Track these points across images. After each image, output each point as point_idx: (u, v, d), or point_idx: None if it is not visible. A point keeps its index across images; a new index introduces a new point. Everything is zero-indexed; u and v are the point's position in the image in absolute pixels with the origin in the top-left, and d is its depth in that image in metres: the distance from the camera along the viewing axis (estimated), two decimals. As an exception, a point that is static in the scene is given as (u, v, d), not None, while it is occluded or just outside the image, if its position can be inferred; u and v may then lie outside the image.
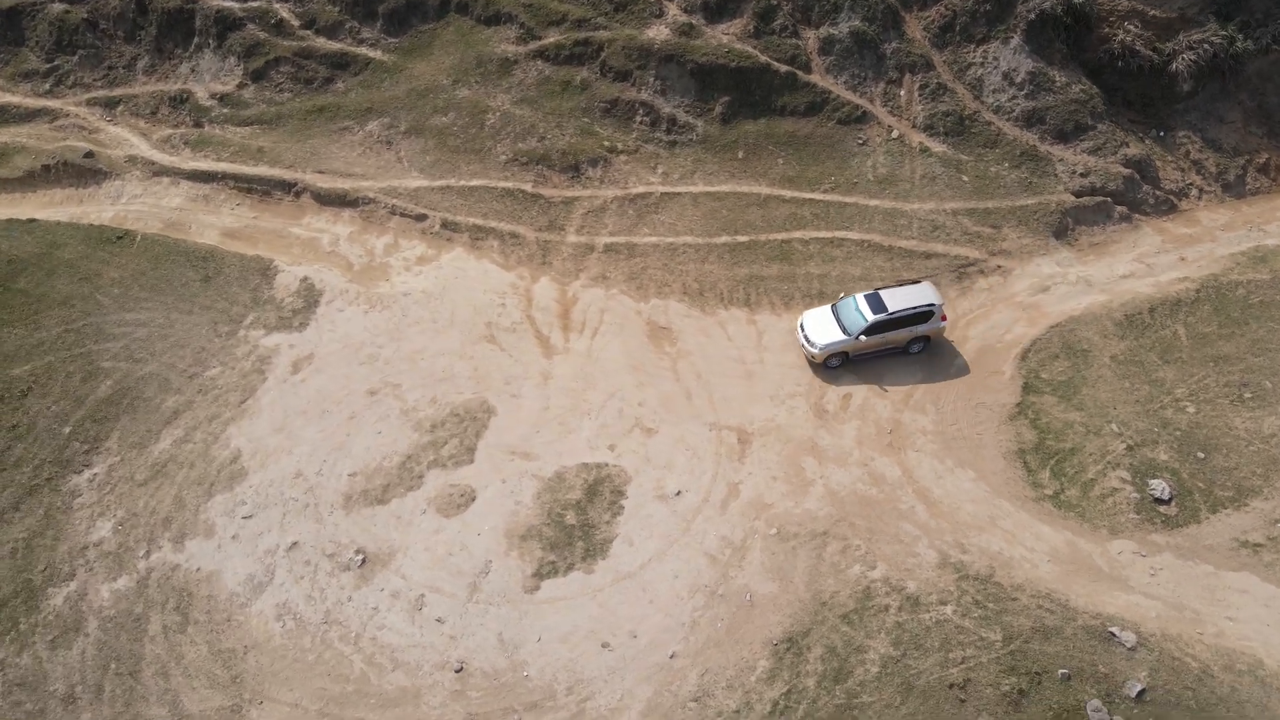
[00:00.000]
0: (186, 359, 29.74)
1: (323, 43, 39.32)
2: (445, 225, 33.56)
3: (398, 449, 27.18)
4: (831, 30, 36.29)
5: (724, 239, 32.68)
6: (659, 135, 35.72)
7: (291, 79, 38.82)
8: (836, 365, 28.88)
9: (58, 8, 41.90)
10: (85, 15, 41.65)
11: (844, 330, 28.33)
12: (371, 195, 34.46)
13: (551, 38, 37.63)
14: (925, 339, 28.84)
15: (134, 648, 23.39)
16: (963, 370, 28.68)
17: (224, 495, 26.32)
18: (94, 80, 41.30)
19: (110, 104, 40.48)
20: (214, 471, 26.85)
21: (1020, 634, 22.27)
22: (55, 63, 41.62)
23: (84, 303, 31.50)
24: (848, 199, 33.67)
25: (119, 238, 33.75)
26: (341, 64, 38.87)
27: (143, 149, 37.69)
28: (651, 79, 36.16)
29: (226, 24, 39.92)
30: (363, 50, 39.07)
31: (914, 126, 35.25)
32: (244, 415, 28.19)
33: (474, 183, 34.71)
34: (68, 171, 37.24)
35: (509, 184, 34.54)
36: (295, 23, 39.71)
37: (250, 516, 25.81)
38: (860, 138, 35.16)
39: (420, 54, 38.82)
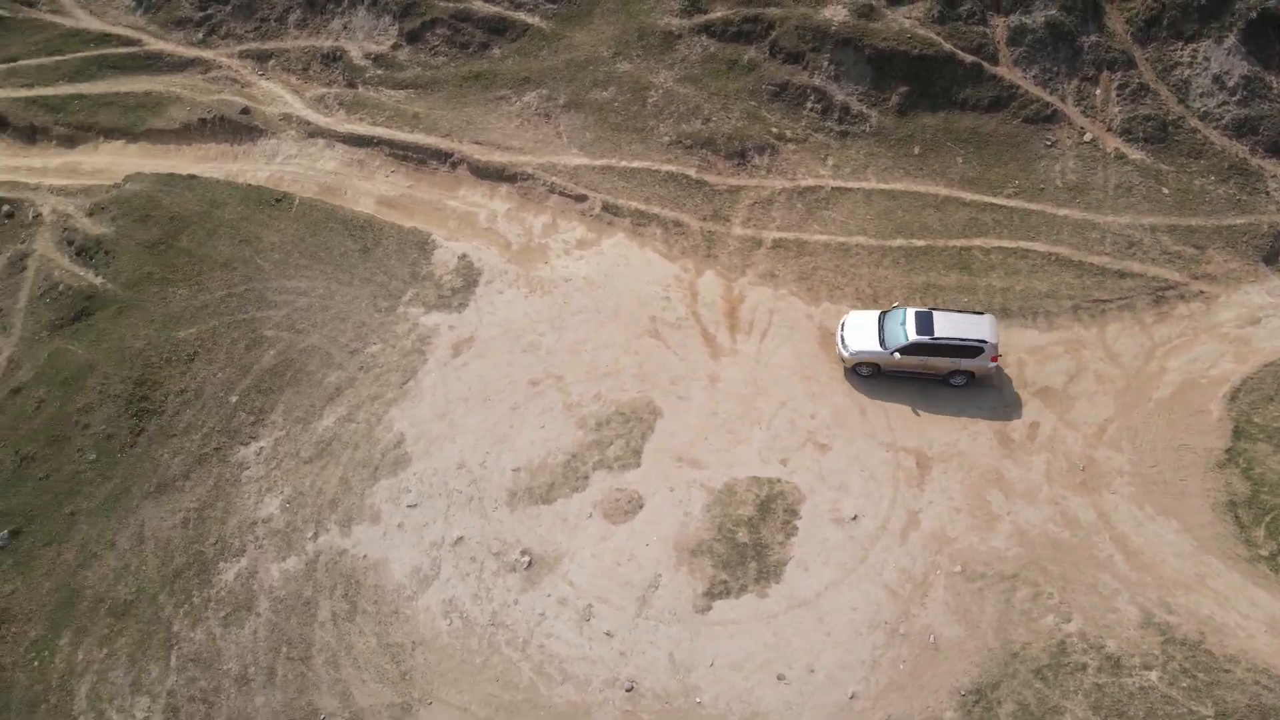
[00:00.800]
0: (348, 333, 29.35)
1: (480, 5, 38.11)
2: (606, 208, 32.41)
3: (562, 446, 26.46)
4: (1024, 19, 33.78)
5: (899, 242, 30.92)
6: (830, 124, 33.87)
7: (447, 42, 37.78)
8: (866, 374, 27.36)
9: (214, -45, 41.38)
10: (241, -36, 41.07)
11: (882, 342, 26.78)
12: (530, 171, 33.43)
13: (718, 12, 35.84)
14: (970, 375, 26.86)
15: (304, 632, 23.31)
16: (1163, 406, 26.68)
17: (388, 480, 25.98)
18: (246, 32, 40.83)
19: (262, 57, 40.01)
20: (378, 455, 26.51)
21: (1235, 711, 20.72)
22: (208, 11, 41.24)
23: (245, 266, 31.30)
24: (1033, 206, 31.53)
25: (277, 200, 33.38)
26: (498, 29, 37.66)
27: (297, 107, 37.18)
28: (825, 63, 34.20)
29: (383, -20, 38.92)
30: (520, 15, 37.77)
31: (1109, 130, 32.76)
32: (406, 397, 27.74)
33: (636, 164, 33.41)
34: (223, 126, 36.99)
35: (672, 167, 33.16)
36: (453, -18, 38.51)
37: (415, 506, 25.44)
38: (1048, 139, 32.82)
39: (579, 22, 37.38)
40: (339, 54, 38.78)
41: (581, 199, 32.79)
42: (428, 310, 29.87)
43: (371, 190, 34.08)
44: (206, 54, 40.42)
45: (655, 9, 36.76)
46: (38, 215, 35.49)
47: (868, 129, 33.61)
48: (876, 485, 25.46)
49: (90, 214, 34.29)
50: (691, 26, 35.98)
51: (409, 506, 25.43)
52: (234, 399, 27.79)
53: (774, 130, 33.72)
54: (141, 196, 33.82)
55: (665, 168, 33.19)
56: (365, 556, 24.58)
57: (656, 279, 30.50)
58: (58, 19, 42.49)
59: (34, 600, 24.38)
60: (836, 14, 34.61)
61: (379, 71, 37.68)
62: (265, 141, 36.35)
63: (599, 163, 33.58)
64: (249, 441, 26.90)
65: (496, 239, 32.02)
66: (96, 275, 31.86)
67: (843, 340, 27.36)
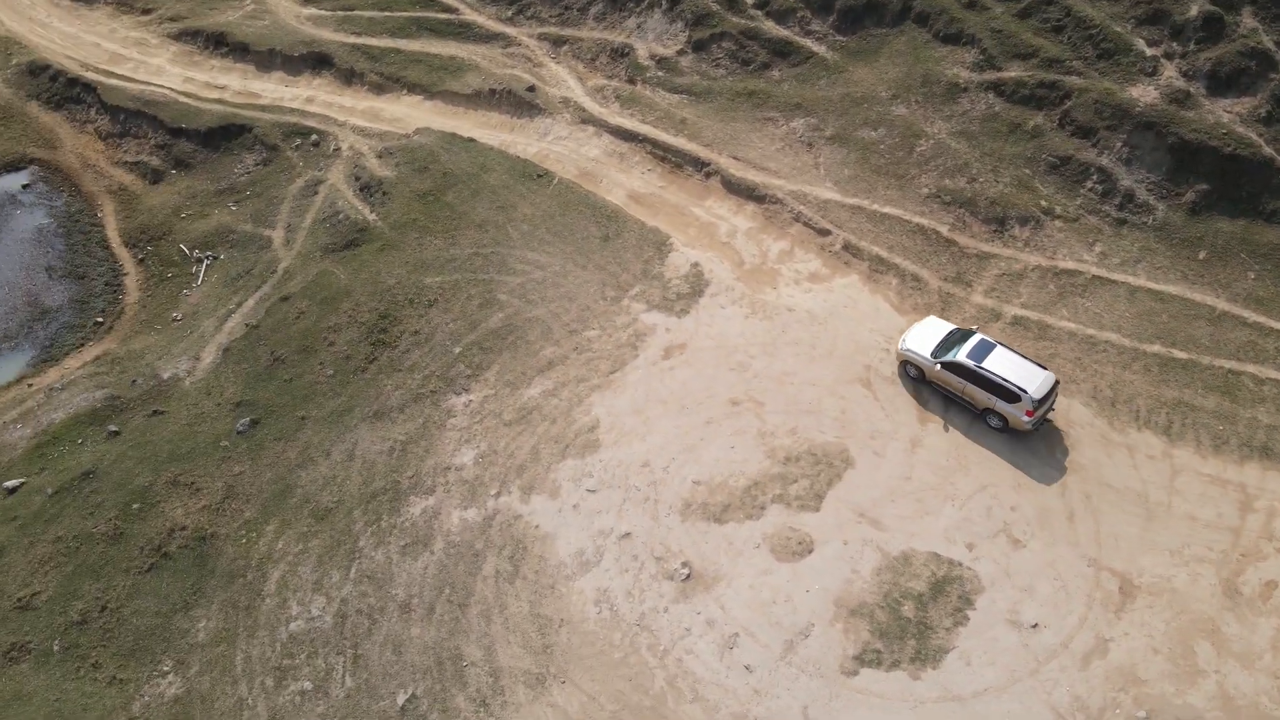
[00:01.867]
0: (571, 313, 30.62)
1: (770, 26, 38.56)
2: (847, 247, 31.87)
3: (746, 471, 26.33)
4: (1368, 136, 29.90)
5: (1156, 348, 28.31)
6: (1107, 209, 31.53)
7: (730, 56, 38.51)
8: (913, 376, 27.89)
9: (538, -58, 44.21)
10: (559, -47, 43.70)
11: (934, 350, 27.15)
12: (780, 195, 33.44)
13: (1012, 72, 34.26)
14: (1003, 420, 26.22)
15: (468, 581, 24.60)
16: None
17: (575, 461, 26.88)
18: (549, 16, 43.47)
19: (558, 42, 42.45)
20: (571, 434, 27.49)
21: None
22: (522, -8, 44.19)
23: (496, 231, 33.38)
24: (1328, 344, 27.89)
25: (539, 175, 35.34)
26: (782, 51, 37.94)
27: (576, 93, 39.18)
28: (1118, 144, 31.88)
29: (683, -12, 40.19)
30: (807, 42, 37.86)
31: None
32: (609, 386, 28.58)
33: (887, 209, 32.61)
34: (508, 99, 39.61)
35: (924, 220, 32.09)
36: (749, 0, 39.18)
37: (593, 491, 26.18)
38: (1367, 274, 28.91)
39: (865, 58, 36.94)
40: (627, 50, 40.47)
41: (824, 233, 32.43)
42: (650, 309, 30.61)
43: (625, 183, 35.34)
44: (510, 30, 43.41)
45: (946, 58, 35.71)
46: (337, 149, 39.55)
47: (1150, 222, 31.02)
48: (1067, 598, 23.50)
49: (379, 156, 37.77)
50: (980, 82, 34.66)
51: (588, 490, 26.21)
52: (457, 350, 29.74)
53: (1043, 203, 31.84)
54: (424, 150, 36.87)
55: (917, 219, 32.18)
56: (537, 526, 25.59)
57: (880, 329, 29.65)
58: (394, -23, 47.01)
59: (255, 485, 27.26)
60: (1145, 94, 32.17)
61: (660, 73, 38.98)
62: (541, 120, 38.57)
63: (850, 201, 33.08)
64: (461, 392, 28.70)
65: (731, 255, 32.30)
66: (371, 212, 35.06)
67: (906, 335, 28.04)
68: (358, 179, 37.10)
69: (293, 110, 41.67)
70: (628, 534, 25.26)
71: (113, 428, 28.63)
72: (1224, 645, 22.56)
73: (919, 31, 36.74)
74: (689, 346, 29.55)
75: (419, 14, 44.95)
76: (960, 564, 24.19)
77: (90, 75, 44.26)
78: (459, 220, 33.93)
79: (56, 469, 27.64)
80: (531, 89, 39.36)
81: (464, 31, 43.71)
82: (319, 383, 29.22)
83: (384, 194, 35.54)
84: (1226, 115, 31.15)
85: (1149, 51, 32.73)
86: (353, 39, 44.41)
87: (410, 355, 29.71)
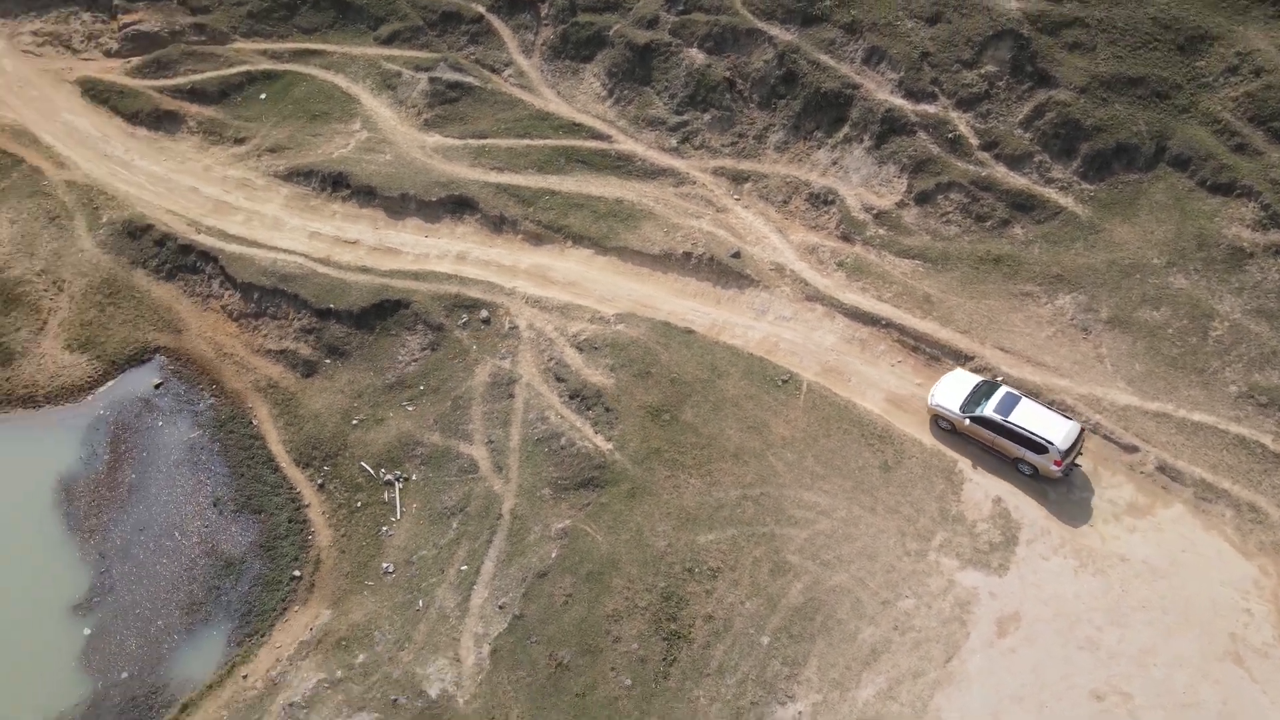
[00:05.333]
0: (877, 577, 27.19)
1: (1003, 173, 34.50)
2: (1162, 469, 28.58)
3: (1142, 795, 23.35)
4: None
5: None
6: None
7: (962, 210, 34.49)
8: (945, 429, 29.45)
9: (699, 58, 39.54)
10: (726, 73, 39.00)
11: (962, 404, 28.59)
12: (1068, 402, 29.87)
13: (1307, 235, 30.72)
14: (1033, 468, 27.97)
15: None
16: None
17: (944, 792, 23.75)
18: (721, 145, 38.95)
19: (737, 178, 38.08)
20: (928, 754, 24.31)
21: None
22: (684, 117, 39.59)
23: (757, 462, 29.62)
24: None
25: (783, 381, 31.44)
26: (1023, 205, 34.02)
27: (789, 258, 35.04)
28: None
29: (891, 124, 35.94)
30: (1050, 193, 33.94)
31: None
32: (951, 680, 25.36)
33: (1196, 416, 29.28)
34: (708, 265, 35.36)
35: (1242, 429, 28.85)
36: (974, 141, 35.03)
37: (978, 834, 23.09)
38: None
39: (1121, 212, 33.16)
40: (831, 197, 36.23)
41: (1131, 450, 29.08)
42: (963, 565, 27.24)
43: (878, 380, 31.59)
44: (679, 164, 38.88)
45: (1220, 214, 32.08)
46: (514, 327, 35.26)
47: None
48: None
49: (579, 349, 33.56)
50: (1268, 244, 31.15)
51: (969, 832, 23.14)
52: (765, 640, 26.26)
53: (1375, 404, 28.66)
54: (638, 346, 32.74)
55: (1233, 428, 28.91)
56: None
57: (1231, 580, 26.59)
58: (525, 95, 42.02)
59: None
60: None
61: (881, 230, 34.87)
62: (754, 293, 34.50)
63: (1152, 406, 29.66)
64: (785, 701, 25.34)
65: (1030, 483, 28.84)
66: (598, 433, 31.06)
67: (936, 389, 29.27)
68: (560, 379, 32.96)
69: (449, 277, 37.02)
70: None
71: (397, 775, 24.94)
72: None
73: (1179, 178, 32.99)
74: (1023, 617, 26.31)
75: (565, 142, 40.15)
76: None
77: (205, 240, 39.12)
78: (709, 449, 30.05)
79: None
80: (737, 255, 35.10)
81: (624, 166, 39.07)
82: (619, 698, 25.63)
83: (606, 409, 31.48)
84: None
85: None
86: (494, 176, 39.57)
87: (713, 651, 26.16)
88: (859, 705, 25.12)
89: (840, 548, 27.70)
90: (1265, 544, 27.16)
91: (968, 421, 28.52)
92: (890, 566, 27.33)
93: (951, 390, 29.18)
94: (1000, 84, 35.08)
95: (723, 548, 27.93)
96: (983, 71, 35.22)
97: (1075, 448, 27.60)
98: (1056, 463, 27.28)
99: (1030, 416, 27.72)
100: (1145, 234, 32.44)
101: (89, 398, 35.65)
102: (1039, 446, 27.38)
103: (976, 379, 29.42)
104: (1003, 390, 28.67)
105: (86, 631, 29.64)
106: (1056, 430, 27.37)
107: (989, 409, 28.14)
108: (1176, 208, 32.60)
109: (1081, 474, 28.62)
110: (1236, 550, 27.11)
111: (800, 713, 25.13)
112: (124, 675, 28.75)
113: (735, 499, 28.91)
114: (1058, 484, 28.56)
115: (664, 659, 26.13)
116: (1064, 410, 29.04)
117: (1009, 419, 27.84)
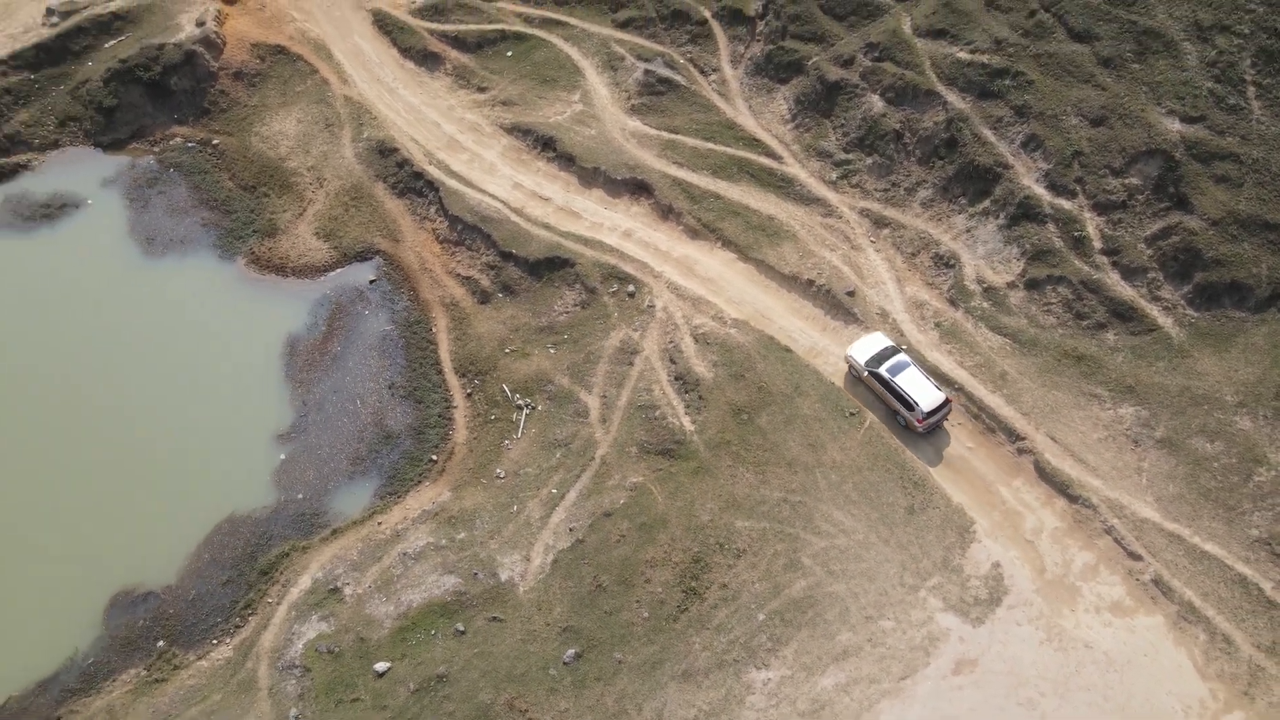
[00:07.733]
0: (869, 595, 32.43)
1: (1115, 281, 37.22)
2: (1157, 582, 31.83)
3: (1022, 833, 28.02)
4: None
5: None
6: None
7: (1064, 305, 37.58)
8: (853, 377, 37.27)
9: (878, 105, 43.60)
10: (897, 125, 42.91)
11: (867, 360, 35.98)
12: (1094, 501, 33.39)
13: (1384, 414, 32.10)
14: (906, 421, 35.30)
15: None
16: None
17: (860, 775, 29.35)
18: (875, 188, 43.15)
19: (879, 222, 42.31)
20: (858, 743, 29.84)
21: None
22: (850, 155, 43.97)
23: (805, 476, 35.13)
24: None
25: (852, 414, 36.47)
26: (1123, 314, 36.74)
27: (896, 306, 39.40)
28: None
29: (1026, 210, 39.13)
30: (1153, 310, 36.44)
31: None
32: (898, 694, 30.56)
33: (1207, 546, 32.11)
34: (826, 296, 40.26)
35: (1246, 570, 31.51)
36: (1097, 244, 37.81)
37: (874, 815, 28.63)
38: None
39: (1215, 344, 35.34)
40: (952, 261, 40.03)
41: (1135, 558, 32.41)
42: (946, 608, 31.97)
43: (935, 437, 35.96)
44: (832, 197, 43.54)
45: (1308, 370, 33.70)
46: (652, 304, 41.71)
47: None
48: None
49: (695, 339, 39.70)
50: (1343, 413, 32.70)
51: (869, 811, 28.71)
52: (761, 616, 32.32)
53: (1386, 585, 30.50)
54: (742, 352, 38.54)
55: (1239, 567, 31.61)
56: (819, 839, 28.42)
57: (1179, 693, 29.98)
58: (720, 103, 47.55)
59: None
60: None
61: (985, 305, 38.54)
62: (855, 330, 39.19)
63: (1170, 526, 32.68)
64: (761, 667, 31.44)
65: (1034, 557, 32.89)
66: (686, 415, 37.38)
67: (854, 344, 36.76)
68: (673, 362, 39.28)
69: (611, 250, 43.74)
70: None
71: (459, 626, 33.19)
72: None
73: (1288, 325, 34.63)
74: (980, 665, 30.92)
75: (742, 153, 45.52)
76: None
77: (433, 171, 47.65)
78: (771, 453, 35.79)
79: (415, 660, 32.58)
80: (851, 293, 39.82)
81: (785, 187, 44.13)
82: (635, 624, 32.60)
83: (700, 397, 37.68)
84: None
85: None
86: (674, 170, 45.59)
87: (718, 613, 32.53)
88: (817, 689, 30.89)
89: (848, 563, 33.08)
90: (1225, 673, 30.22)
91: (866, 374, 35.76)
92: (884, 591, 32.50)
93: (864, 348, 36.34)
94: (1139, 197, 37.41)
95: (753, 535, 33.96)
96: (1126, 182, 37.62)
97: (938, 412, 34.46)
98: (920, 420, 34.46)
99: (911, 381, 34.82)
100: (1229, 370, 34.63)
101: (322, 278, 45.30)
102: (909, 405, 34.57)
103: (887, 343, 36.36)
104: (900, 356, 35.64)
105: (281, 456, 39.48)
106: (926, 396, 34.49)
107: (883, 368, 35.28)
108: (1271, 354, 34.47)
109: (1088, 563, 32.24)
110: (1196, 670, 30.35)
111: (770, 679, 31.21)
112: (299, 496, 38.45)
113: (777, 499, 34.71)
114: (1055, 559, 32.43)
115: (679, 606, 32.75)
116: (942, 385, 35.71)
117: (894, 379, 34.93)
